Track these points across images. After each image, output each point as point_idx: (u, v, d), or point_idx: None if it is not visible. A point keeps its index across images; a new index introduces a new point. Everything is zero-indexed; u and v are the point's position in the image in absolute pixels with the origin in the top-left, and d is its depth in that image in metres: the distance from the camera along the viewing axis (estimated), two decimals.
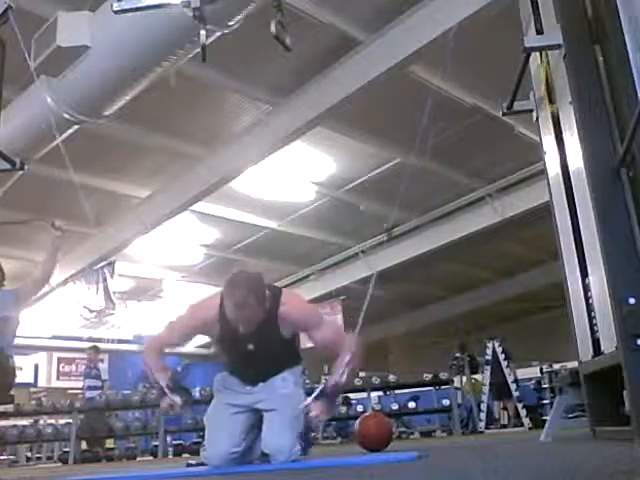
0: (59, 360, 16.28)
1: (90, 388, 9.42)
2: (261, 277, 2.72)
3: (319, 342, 2.73)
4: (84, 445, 8.97)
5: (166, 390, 2.71)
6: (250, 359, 2.75)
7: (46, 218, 4.39)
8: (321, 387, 2.67)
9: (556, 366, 9.54)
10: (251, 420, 2.78)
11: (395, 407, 9.04)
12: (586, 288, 2.77)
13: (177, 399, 2.71)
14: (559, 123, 2.99)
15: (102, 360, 10.34)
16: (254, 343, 2.69)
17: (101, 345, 11.00)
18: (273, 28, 2.96)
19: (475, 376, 10.11)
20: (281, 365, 2.83)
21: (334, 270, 12.69)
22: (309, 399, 2.66)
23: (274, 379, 2.80)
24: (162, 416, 8.61)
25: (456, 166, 8.95)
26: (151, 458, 9.19)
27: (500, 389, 9.63)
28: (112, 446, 10.06)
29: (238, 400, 2.79)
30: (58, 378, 16.20)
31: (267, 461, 2.70)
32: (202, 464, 2.84)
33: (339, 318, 13.05)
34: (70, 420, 8.75)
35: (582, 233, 2.76)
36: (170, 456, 9.24)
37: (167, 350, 2.93)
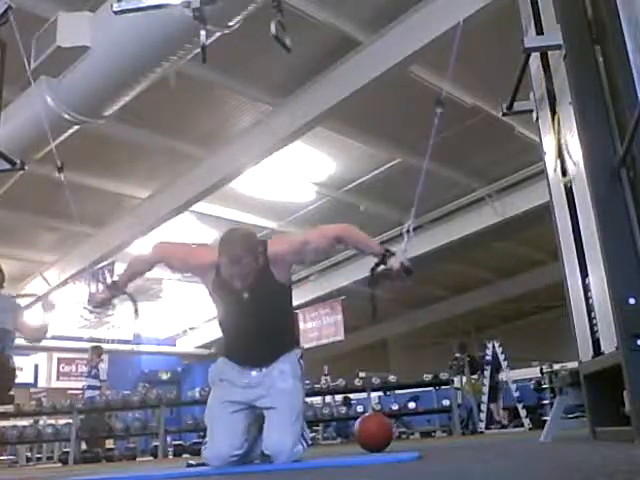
0: (59, 360, 16.29)
1: (90, 388, 9.44)
2: (254, 234, 2.71)
3: (322, 247, 2.78)
4: (84, 445, 8.97)
5: (112, 287, 2.93)
6: (246, 313, 2.68)
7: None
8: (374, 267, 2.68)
9: (556, 366, 9.52)
10: (250, 418, 2.75)
11: (395, 407, 9.05)
12: (586, 288, 2.77)
13: (109, 294, 2.93)
14: (559, 123, 2.99)
15: (102, 360, 10.34)
16: (248, 291, 2.64)
17: (101, 345, 10.99)
18: (273, 28, 2.96)
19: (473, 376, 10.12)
20: (278, 329, 2.79)
21: (334, 270, 12.69)
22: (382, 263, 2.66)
23: (272, 368, 2.73)
24: (162, 416, 8.62)
25: (456, 166, 8.95)
26: (151, 458, 9.19)
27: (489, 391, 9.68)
28: (112, 446, 10.07)
29: (237, 397, 2.73)
30: (58, 378, 16.21)
31: (268, 461, 2.70)
32: (202, 464, 2.84)
33: (339, 318, 13.07)
34: (70, 420, 8.74)
35: (582, 233, 2.76)
36: (170, 456, 9.24)
37: (153, 265, 2.94)
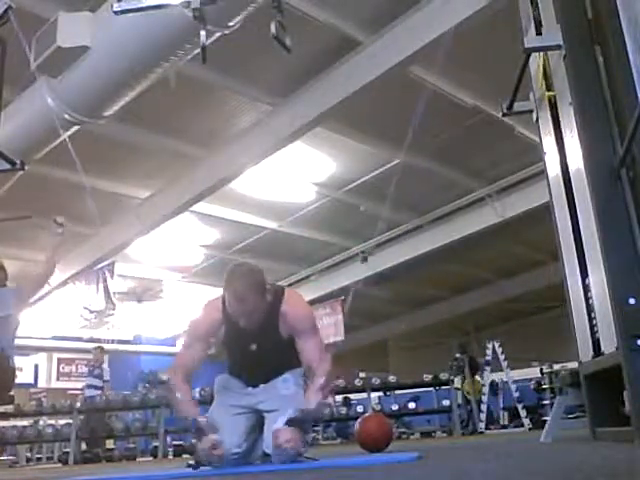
0: (59, 361, 16.30)
1: (90, 387, 9.43)
2: (260, 270, 2.71)
3: (303, 351, 2.71)
4: (84, 446, 8.97)
5: (205, 428, 2.54)
6: (253, 360, 2.76)
7: (48, 216, 4.39)
8: (290, 412, 2.50)
9: (556, 366, 9.54)
10: (252, 421, 2.78)
11: (395, 408, 9.05)
12: (586, 288, 2.77)
13: (217, 437, 2.51)
14: (559, 123, 2.99)
15: (105, 361, 10.36)
16: (257, 343, 2.70)
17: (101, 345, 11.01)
18: (273, 29, 2.96)
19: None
20: (282, 367, 2.83)
21: (334, 270, 12.70)
22: (279, 421, 2.52)
23: (275, 380, 2.79)
24: (162, 417, 8.62)
25: (456, 166, 8.95)
26: (151, 459, 9.19)
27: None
28: (112, 447, 10.07)
29: (239, 401, 2.79)
30: (58, 379, 16.22)
31: (268, 461, 2.70)
32: (203, 464, 2.84)
33: (339, 318, 13.07)
34: (70, 421, 8.75)
35: (582, 233, 2.76)
36: (170, 457, 9.24)
37: (191, 370, 2.80)
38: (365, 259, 11.60)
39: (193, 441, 2.55)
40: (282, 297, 2.71)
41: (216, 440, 2.51)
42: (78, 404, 8.69)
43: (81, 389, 10.32)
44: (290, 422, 2.51)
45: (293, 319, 2.71)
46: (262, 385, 2.80)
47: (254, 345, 2.70)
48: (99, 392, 9.27)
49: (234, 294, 2.57)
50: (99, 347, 10.14)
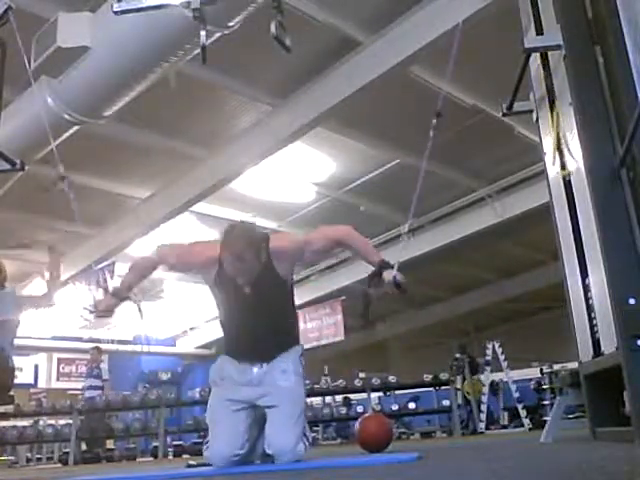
0: (59, 361, 16.30)
1: (91, 388, 9.42)
2: (255, 228, 2.69)
3: (322, 248, 2.76)
4: (84, 446, 8.97)
5: (114, 293, 2.88)
6: (247, 307, 2.68)
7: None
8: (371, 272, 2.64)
9: (556, 367, 9.53)
10: (252, 417, 2.74)
11: (395, 408, 9.04)
12: (586, 288, 2.77)
13: (113, 301, 2.88)
14: (559, 124, 2.99)
15: (103, 360, 10.35)
16: (250, 286, 2.63)
17: (101, 346, 11.01)
18: (273, 29, 2.95)
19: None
20: (281, 329, 2.78)
21: (334, 270, 12.69)
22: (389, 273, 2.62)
23: (273, 366, 2.72)
24: (162, 417, 8.62)
25: (456, 167, 8.95)
26: (151, 459, 9.19)
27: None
28: (112, 447, 10.06)
29: (238, 395, 2.71)
30: (58, 379, 16.22)
31: (269, 461, 2.70)
32: (203, 465, 2.84)
33: (339, 318, 13.07)
34: (70, 421, 8.74)
35: (582, 233, 2.76)
36: (170, 457, 9.24)
37: (155, 269, 2.94)
38: None
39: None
40: (269, 242, 2.67)
41: (109, 303, 2.90)
42: (80, 405, 8.69)
43: (81, 389, 10.28)
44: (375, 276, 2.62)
45: (287, 248, 2.72)
46: (259, 369, 2.71)
47: (247, 288, 2.63)
48: (99, 392, 9.27)
49: (232, 254, 2.55)
50: (96, 347, 10.14)
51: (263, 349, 2.73)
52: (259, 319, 2.69)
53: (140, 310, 2.97)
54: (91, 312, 2.89)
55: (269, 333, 2.72)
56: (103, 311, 2.95)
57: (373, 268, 2.67)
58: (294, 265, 2.82)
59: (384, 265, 2.66)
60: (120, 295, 2.90)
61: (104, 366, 10.11)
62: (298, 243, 2.79)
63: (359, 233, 2.78)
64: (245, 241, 2.56)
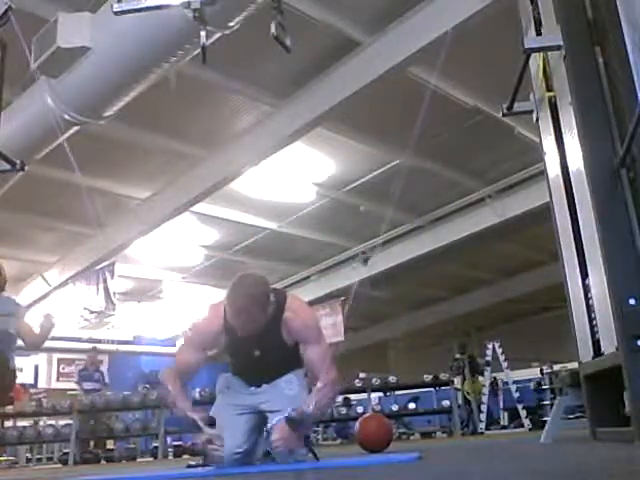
0: (59, 361, 16.28)
1: (91, 391, 9.35)
2: (265, 282, 2.71)
3: (308, 357, 2.72)
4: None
5: (200, 424, 2.60)
6: (256, 364, 2.76)
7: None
8: (288, 412, 2.54)
9: (556, 367, 9.54)
10: (254, 421, 2.77)
11: (395, 408, 9.04)
12: (586, 289, 2.77)
13: (213, 431, 2.59)
14: (559, 124, 2.99)
15: (102, 362, 10.30)
16: (260, 349, 2.70)
17: (101, 346, 11.00)
18: (273, 29, 2.95)
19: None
20: (286, 369, 2.83)
21: (334, 271, 12.69)
22: (274, 419, 2.58)
23: (279, 380, 2.79)
24: (162, 417, 8.62)
25: (456, 167, 8.95)
26: (151, 459, 9.19)
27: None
28: (112, 447, 10.06)
29: (242, 401, 2.79)
30: (58, 379, 16.20)
31: (270, 461, 2.70)
32: (203, 465, 2.84)
33: (339, 319, 13.06)
34: (70, 421, 8.74)
35: (582, 234, 2.76)
36: (170, 457, 9.24)
37: (186, 374, 2.84)
38: (366, 260, 11.59)
39: (194, 440, 2.59)
40: (284, 304, 2.70)
41: (212, 435, 2.57)
42: (83, 401, 8.66)
43: (79, 390, 10.18)
44: (288, 421, 2.52)
45: (296, 327, 2.71)
46: (265, 385, 2.80)
47: (257, 351, 2.71)
48: (98, 392, 9.23)
49: (233, 306, 2.59)
50: (94, 348, 10.05)
51: (269, 379, 2.81)
52: (268, 370, 2.78)
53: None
54: (202, 462, 2.68)
55: (276, 372, 2.80)
56: (207, 443, 2.64)
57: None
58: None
59: (301, 416, 2.56)
60: (199, 423, 2.64)
61: (104, 369, 10.05)
62: (309, 333, 2.74)
63: (333, 380, 2.68)
64: (250, 295, 2.59)
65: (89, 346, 11.17)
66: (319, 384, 2.64)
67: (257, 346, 2.69)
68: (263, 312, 2.61)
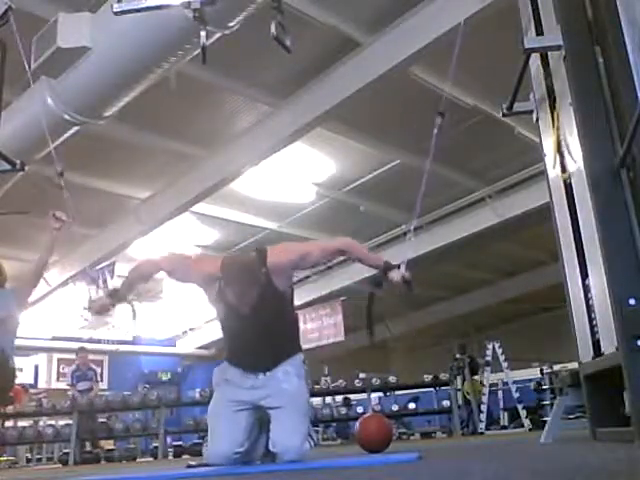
0: (59, 361, 16.27)
1: (83, 391, 9.30)
2: (254, 261, 2.68)
3: (321, 260, 2.81)
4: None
5: (110, 292, 2.92)
6: (247, 324, 2.68)
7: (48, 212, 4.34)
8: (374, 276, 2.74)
9: (556, 367, 9.53)
10: (254, 417, 2.74)
11: (395, 408, 9.04)
12: (586, 289, 2.77)
13: (108, 302, 2.92)
14: (558, 120, 2.99)
15: (92, 361, 10.19)
16: (250, 307, 2.65)
17: (101, 346, 10.96)
18: (273, 29, 2.95)
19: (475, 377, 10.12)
20: (281, 341, 2.79)
21: (334, 271, 12.68)
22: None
23: (275, 371, 2.74)
24: (162, 417, 8.62)
25: (456, 167, 8.95)
26: (151, 459, 9.18)
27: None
28: (112, 447, 10.05)
29: (241, 396, 2.74)
30: (58, 379, 16.19)
31: (270, 460, 2.70)
32: (203, 465, 2.84)
33: (339, 319, 13.07)
34: (70, 421, 8.73)
35: (582, 234, 2.76)
36: (170, 457, 9.23)
37: (156, 273, 2.99)
38: None
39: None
40: (266, 259, 2.69)
41: (106, 304, 2.92)
42: (79, 402, 8.66)
43: (80, 391, 10.12)
44: (376, 283, 2.73)
45: (285, 263, 2.74)
46: (262, 376, 2.74)
47: (246, 308, 2.65)
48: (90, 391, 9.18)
49: (229, 281, 2.60)
50: (81, 347, 9.98)
51: (265, 361, 2.77)
52: (260, 335, 2.72)
53: (133, 310, 2.98)
54: (88, 309, 2.95)
55: (270, 346, 2.76)
56: (99, 309, 2.96)
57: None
58: (292, 275, 2.86)
59: (388, 266, 2.68)
60: (116, 295, 2.92)
61: (96, 367, 9.96)
62: (295, 255, 2.80)
63: (359, 245, 2.81)
64: (243, 273, 2.61)
65: (89, 346, 11.14)
66: (351, 252, 2.88)
67: (247, 305, 2.64)
68: (256, 282, 2.60)
